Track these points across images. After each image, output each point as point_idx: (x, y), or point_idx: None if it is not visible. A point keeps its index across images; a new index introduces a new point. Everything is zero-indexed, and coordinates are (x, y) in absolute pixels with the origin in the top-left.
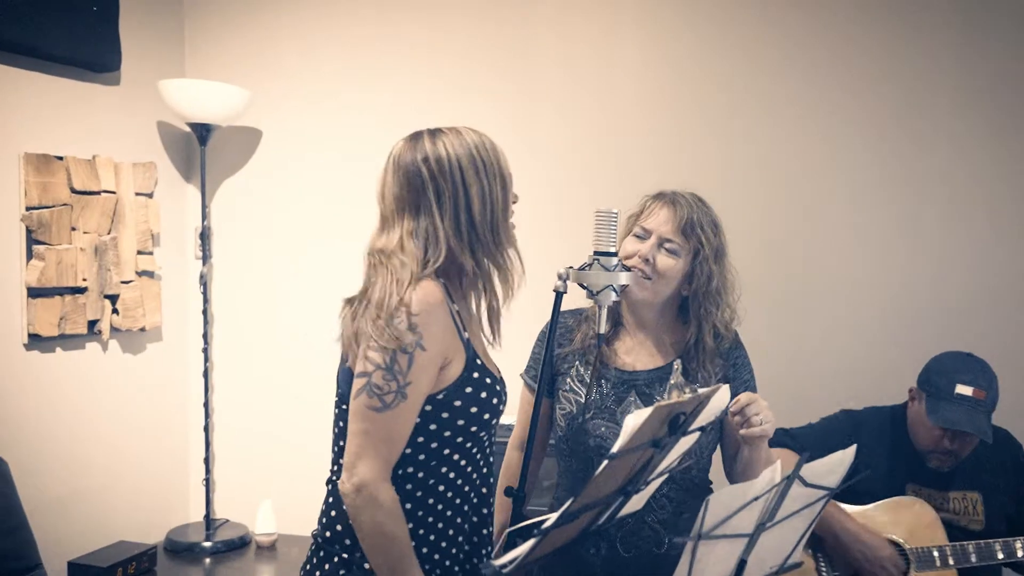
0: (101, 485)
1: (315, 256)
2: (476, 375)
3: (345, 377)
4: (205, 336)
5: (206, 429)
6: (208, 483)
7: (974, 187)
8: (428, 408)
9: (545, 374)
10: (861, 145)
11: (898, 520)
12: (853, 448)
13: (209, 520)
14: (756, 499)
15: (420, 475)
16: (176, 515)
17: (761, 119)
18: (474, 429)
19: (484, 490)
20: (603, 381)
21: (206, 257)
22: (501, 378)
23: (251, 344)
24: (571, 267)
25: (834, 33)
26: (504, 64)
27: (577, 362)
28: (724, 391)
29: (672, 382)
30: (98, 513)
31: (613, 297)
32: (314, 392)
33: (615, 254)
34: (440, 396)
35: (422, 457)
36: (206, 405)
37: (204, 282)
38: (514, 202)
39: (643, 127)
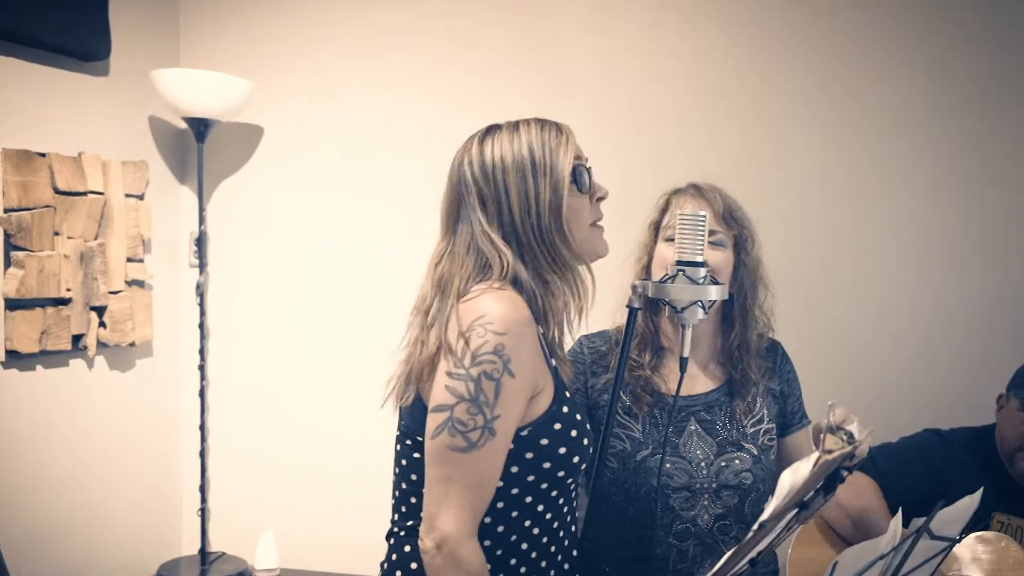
0: (86, 516)
1: (321, 264)
2: (566, 409)
3: (412, 409)
4: (201, 352)
5: (202, 454)
6: (203, 513)
7: None
8: (510, 447)
9: (613, 407)
10: (913, 140)
11: (977, 557)
12: (979, 493)
13: (204, 554)
14: (882, 557)
15: (500, 529)
16: (168, 548)
17: (806, 117)
18: (561, 474)
19: (572, 551)
20: (656, 412)
21: (202, 265)
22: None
23: (251, 361)
24: (647, 279)
25: (879, 32)
26: (534, 59)
27: (620, 392)
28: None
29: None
30: (83, 548)
31: (700, 315)
32: (321, 414)
33: (703, 264)
34: (524, 432)
35: (501, 506)
36: (202, 427)
37: (200, 292)
38: (600, 198)
39: (673, 125)
